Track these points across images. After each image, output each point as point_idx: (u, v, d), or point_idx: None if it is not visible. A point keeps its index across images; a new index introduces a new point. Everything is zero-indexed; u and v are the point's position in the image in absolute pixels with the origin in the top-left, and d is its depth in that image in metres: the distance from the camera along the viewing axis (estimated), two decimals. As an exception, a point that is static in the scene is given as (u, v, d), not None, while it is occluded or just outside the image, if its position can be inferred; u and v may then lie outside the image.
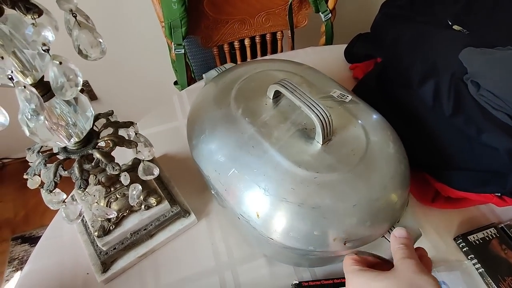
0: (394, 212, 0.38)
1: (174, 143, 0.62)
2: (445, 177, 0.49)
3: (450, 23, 0.63)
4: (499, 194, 0.47)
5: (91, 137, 0.38)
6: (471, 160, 0.48)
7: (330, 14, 0.89)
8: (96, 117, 0.40)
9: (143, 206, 0.47)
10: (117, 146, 0.39)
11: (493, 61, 0.50)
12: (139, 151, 0.40)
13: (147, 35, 1.25)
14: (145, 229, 0.47)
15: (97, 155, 0.36)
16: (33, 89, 0.26)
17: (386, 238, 0.38)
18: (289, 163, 0.37)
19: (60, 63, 0.23)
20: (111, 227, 0.45)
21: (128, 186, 0.42)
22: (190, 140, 0.46)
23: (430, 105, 0.52)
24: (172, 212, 0.49)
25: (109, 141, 0.38)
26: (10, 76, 0.24)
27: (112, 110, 0.42)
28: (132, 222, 0.46)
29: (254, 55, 1.00)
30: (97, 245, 0.46)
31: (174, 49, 0.80)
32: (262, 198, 0.37)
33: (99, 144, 0.39)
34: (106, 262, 0.45)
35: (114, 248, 0.45)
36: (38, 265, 0.48)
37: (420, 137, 0.52)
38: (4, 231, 1.36)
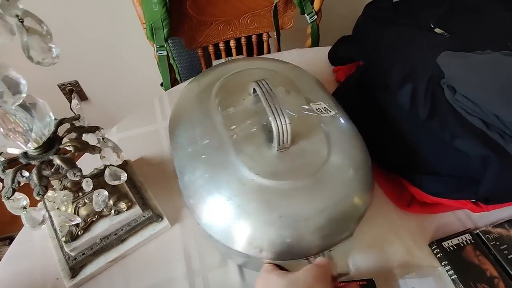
0: (325, 238, 0.37)
1: (152, 146, 0.61)
2: (419, 182, 0.48)
3: (432, 26, 0.63)
4: (474, 200, 0.47)
5: (53, 143, 0.37)
6: (445, 165, 0.47)
7: (315, 16, 0.88)
8: (60, 122, 0.39)
9: (113, 211, 0.46)
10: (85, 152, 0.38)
11: (469, 65, 0.50)
12: (104, 157, 0.39)
13: (139, 35, 1.23)
14: (115, 234, 0.47)
15: (57, 161, 0.35)
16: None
17: (309, 262, 0.37)
18: (235, 158, 0.38)
19: (-3, 70, 0.23)
20: (79, 232, 0.44)
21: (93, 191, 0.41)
22: (171, 128, 0.48)
23: (407, 108, 0.51)
24: (144, 217, 0.48)
25: (71, 146, 0.37)
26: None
27: (79, 115, 0.41)
28: (101, 227, 0.45)
29: (240, 57, 1.00)
30: (66, 250, 0.45)
31: (156, 51, 0.80)
32: (200, 184, 0.38)
33: (66, 149, 0.38)
34: (74, 267, 0.45)
35: (83, 254, 0.45)
36: (8, 271, 0.48)
37: (396, 140, 0.52)
38: (-9, 232, 1.35)
